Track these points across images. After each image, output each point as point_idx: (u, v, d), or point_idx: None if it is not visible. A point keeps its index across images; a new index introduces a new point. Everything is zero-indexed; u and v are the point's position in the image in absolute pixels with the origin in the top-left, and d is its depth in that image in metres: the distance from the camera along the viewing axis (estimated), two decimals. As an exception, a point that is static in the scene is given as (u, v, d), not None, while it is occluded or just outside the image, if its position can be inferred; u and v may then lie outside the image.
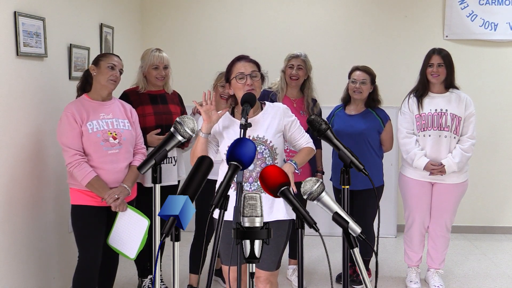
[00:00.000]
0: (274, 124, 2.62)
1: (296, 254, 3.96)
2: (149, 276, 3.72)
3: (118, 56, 3.17)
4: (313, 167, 3.84)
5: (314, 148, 2.74)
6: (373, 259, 3.92)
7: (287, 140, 2.72)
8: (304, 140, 2.71)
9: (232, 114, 2.70)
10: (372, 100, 3.82)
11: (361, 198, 3.72)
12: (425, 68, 3.69)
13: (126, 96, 3.53)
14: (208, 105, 2.55)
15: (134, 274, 4.14)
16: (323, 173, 3.91)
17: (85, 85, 3.15)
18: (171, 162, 3.55)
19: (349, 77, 3.84)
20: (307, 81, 3.82)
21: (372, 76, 3.78)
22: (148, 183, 3.42)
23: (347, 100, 3.89)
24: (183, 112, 3.72)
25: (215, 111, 2.58)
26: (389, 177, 4.75)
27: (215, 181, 2.75)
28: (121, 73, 3.13)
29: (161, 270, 3.74)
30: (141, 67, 3.57)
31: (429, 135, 3.66)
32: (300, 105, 3.79)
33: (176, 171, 3.58)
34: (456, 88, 3.72)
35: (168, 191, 3.20)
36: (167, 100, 3.62)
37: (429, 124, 3.66)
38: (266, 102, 2.75)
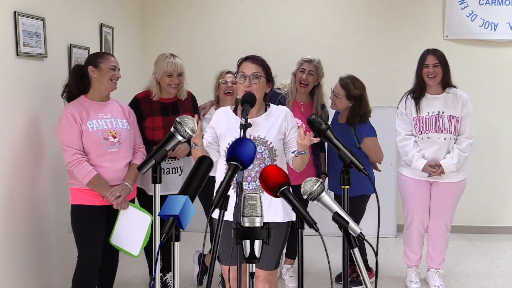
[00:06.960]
0: (276, 126, 2.63)
1: (292, 254, 4.02)
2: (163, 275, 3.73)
3: (113, 56, 3.19)
4: (319, 169, 3.86)
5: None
6: (373, 259, 3.92)
7: (284, 144, 2.70)
8: None
9: (235, 111, 2.71)
10: (353, 115, 3.66)
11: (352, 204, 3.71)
12: (421, 70, 3.66)
13: (137, 103, 3.46)
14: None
15: (134, 274, 4.14)
16: (326, 175, 3.91)
17: (78, 84, 3.09)
18: (177, 172, 3.53)
19: None
20: (317, 87, 3.76)
21: (348, 91, 3.62)
22: (151, 191, 3.41)
23: None
24: None
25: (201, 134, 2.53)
26: (389, 177, 4.75)
27: (214, 177, 2.75)
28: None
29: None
30: (154, 73, 3.46)
31: (428, 138, 3.66)
32: (308, 110, 3.76)
33: (181, 181, 3.54)
34: (453, 86, 3.70)
35: None
36: (178, 109, 3.53)
37: (427, 127, 3.65)
38: (271, 104, 2.75)
